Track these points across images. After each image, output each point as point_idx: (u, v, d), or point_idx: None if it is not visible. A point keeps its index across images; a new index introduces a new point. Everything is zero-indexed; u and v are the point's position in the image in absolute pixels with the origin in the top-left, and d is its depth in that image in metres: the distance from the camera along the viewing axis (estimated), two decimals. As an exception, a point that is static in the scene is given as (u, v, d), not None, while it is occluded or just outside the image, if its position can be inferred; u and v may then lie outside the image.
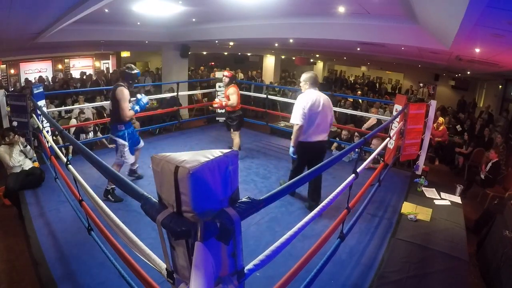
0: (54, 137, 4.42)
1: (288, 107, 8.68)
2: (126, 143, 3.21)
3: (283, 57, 14.72)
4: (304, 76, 3.16)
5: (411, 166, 4.94)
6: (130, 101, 3.22)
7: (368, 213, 3.21)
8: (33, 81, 9.47)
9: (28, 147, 3.80)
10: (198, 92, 8.48)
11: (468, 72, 9.55)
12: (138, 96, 3.33)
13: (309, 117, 3.01)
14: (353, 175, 2.10)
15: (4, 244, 3.11)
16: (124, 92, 3.06)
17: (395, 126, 4.05)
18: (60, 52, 10.29)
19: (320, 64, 17.36)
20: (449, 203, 3.56)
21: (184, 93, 7.05)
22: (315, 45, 8.36)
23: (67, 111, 6.58)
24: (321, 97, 3.10)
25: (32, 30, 5.84)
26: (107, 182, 3.20)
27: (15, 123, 3.86)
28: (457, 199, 3.69)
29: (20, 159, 3.61)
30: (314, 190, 3.29)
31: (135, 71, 3.18)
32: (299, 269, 1.59)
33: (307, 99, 3.03)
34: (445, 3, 2.69)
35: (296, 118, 3.03)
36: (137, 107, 3.23)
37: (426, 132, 4.39)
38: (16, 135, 3.63)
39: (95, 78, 10.59)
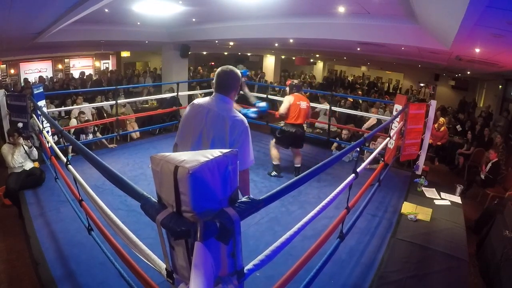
0: (57, 138, 4.42)
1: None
2: None
3: (283, 57, 14.72)
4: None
5: (411, 166, 4.94)
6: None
7: (368, 213, 3.21)
8: (33, 81, 9.48)
9: (33, 148, 3.81)
10: (198, 92, 8.48)
11: (468, 72, 9.55)
12: (262, 104, 3.54)
13: None
14: (353, 175, 2.10)
15: (4, 244, 3.11)
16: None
17: (395, 126, 4.05)
18: (60, 52, 10.29)
19: (320, 64, 17.36)
20: (449, 203, 3.56)
21: (184, 93, 7.05)
22: (315, 45, 8.36)
23: (66, 112, 6.58)
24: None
25: (32, 30, 5.83)
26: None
27: (20, 124, 3.86)
28: (457, 199, 3.69)
29: (22, 160, 3.61)
30: None
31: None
32: (299, 269, 1.59)
33: None
34: (445, 3, 2.68)
35: None
36: (254, 108, 3.47)
37: (426, 132, 4.39)
38: (20, 137, 3.63)
39: (96, 78, 10.59)
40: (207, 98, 1.85)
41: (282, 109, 4.02)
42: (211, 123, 1.75)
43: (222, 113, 1.74)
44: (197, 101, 1.86)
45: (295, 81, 4.25)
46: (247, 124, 1.76)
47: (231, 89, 1.80)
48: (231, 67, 1.82)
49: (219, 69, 1.82)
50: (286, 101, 4.01)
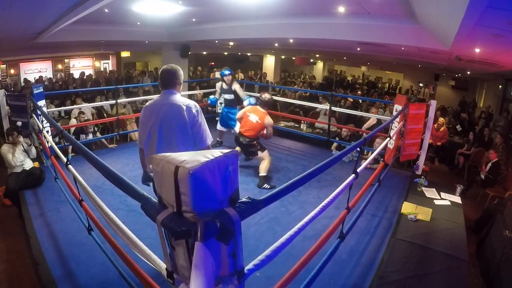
0: (58, 139, 4.43)
1: (288, 107, 8.70)
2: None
3: (283, 57, 14.72)
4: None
5: (411, 166, 4.94)
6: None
7: (368, 213, 3.21)
8: (33, 81, 9.47)
9: (33, 146, 3.82)
10: (198, 92, 8.48)
11: (468, 72, 9.55)
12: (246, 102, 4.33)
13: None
14: (353, 175, 2.10)
15: (4, 244, 3.11)
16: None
17: (395, 126, 4.04)
18: (60, 52, 10.28)
19: (320, 64, 17.36)
20: (449, 203, 3.56)
21: (184, 93, 7.05)
22: (315, 45, 8.36)
23: (66, 112, 6.57)
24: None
25: (32, 30, 5.84)
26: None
27: (19, 123, 3.88)
28: (457, 199, 3.69)
29: (22, 159, 3.62)
30: None
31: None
32: (299, 269, 1.59)
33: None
34: (445, 3, 2.69)
35: None
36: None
37: (426, 132, 4.39)
38: (20, 135, 3.64)
39: (95, 78, 10.58)
40: (156, 98, 2.05)
41: (237, 114, 4.17)
42: (169, 114, 1.92)
43: (175, 102, 1.94)
44: (148, 103, 2.05)
45: (265, 96, 3.92)
46: (198, 106, 2.00)
47: (176, 84, 2.02)
48: (172, 65, 2.03)
49: (162, 68, 2.02)
50: (242, 109, 4.11)
